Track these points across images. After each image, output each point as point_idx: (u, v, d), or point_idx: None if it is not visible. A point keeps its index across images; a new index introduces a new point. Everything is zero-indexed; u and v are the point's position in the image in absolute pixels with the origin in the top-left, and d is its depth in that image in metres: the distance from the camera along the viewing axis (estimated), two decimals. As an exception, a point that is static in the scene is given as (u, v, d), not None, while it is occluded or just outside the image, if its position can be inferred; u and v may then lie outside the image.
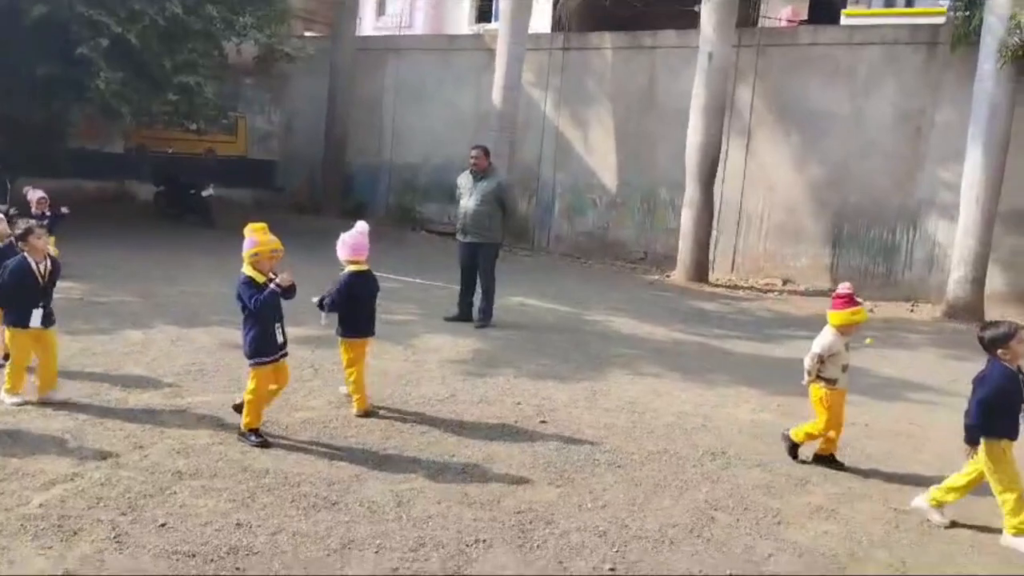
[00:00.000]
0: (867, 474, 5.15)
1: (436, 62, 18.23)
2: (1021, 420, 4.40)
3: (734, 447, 5.51)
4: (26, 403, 5.29)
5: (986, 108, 11.62)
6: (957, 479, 4.53)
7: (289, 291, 4.98)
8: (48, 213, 8.12)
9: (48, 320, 5.43)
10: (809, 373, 5.22)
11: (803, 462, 5.25)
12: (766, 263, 14.82)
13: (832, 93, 14.18)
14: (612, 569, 3.74)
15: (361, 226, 5.75)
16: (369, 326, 5.81)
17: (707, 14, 13.64)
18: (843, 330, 5.22)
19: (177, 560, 3.54)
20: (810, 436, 5.24)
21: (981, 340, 4.53)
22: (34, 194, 8.41)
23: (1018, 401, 4.38)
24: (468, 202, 8.87)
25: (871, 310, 5.86)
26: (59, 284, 5.59)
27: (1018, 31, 11.22)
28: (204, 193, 16.00)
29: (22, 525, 3.73)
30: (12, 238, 5.67)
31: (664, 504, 4.50)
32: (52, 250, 5.53)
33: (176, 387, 5.93)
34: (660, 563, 3.84)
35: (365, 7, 22.96)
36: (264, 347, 4.95)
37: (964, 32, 12.54)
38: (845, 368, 5.23)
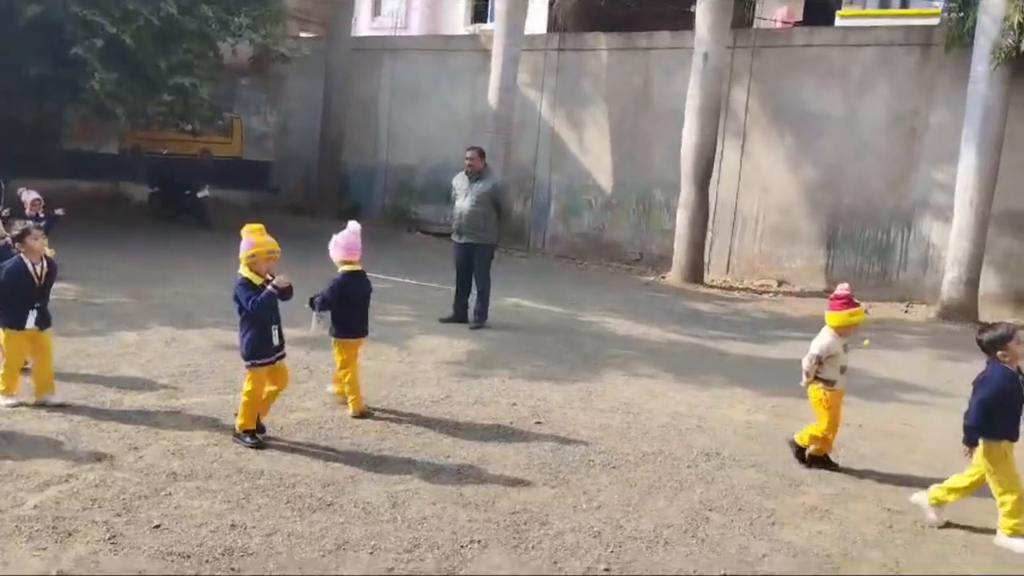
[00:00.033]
0: (861, 475, 5.17)
1: (432, 63, 18.23)
2: (1022, 421, 4.40)
3: (728, 448, 5.53)
4: (20, 405, 5.29)
5: (980, 110, 11.65)
6: (959, 480, 4.53)
7: (286, 292, 4.98)
8: (42, 215, 8.10)
9: (44, 322, 5.42)
10: (807, 374, 5.23)
11: (806, 462, 5.22)
12: (761, 264, 14.85)
13: (826, 94, 14.21)
14: (607, 569, 3.75)
15: (353, 226, 5.75)
16: (363, 326, 5.82)
17: (702, 15, 13.67)
18: (841, 331, 5.22)
19: (172, 561, 3.54)
20: (814, 438, 5.22)
21: (980, 342, 4.53)
22: (28, 195, 8.38)
23: (1018, 402, 4.39)
24: (463, 203, 8.88)
25: (866, 311, 5.86)
26: (53, 285, 5.58)
27: (1012, 33, 11.26)
28: (199, 194, 15.98)
29: (16, 526, 3.72)
30: (8, 239, 5.66)
31: (659, 505, 4.51)
32: (48, 251, 5.52)
33: (171, 388, 5.93)
34: (654, 563, 3.86)
35: (361, 7, 22.97)
36: (261, 349, 4.95)
37: (958, 34, 12.58)
38: (843, 370, 5.24)
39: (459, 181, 9.06)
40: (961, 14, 12.66)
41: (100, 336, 7.20)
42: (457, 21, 23.23)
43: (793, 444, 5.31)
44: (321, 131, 18.70)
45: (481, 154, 9.05)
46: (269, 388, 5.05)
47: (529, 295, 11.06)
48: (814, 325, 10.75)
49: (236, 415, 5.01)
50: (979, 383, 4.47)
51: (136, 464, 4.51)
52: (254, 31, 14.86)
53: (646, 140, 15.72)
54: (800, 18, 17.98)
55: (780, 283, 14.41)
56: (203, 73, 14.12)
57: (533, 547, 3.92)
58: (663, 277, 14.28)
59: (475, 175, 8.90)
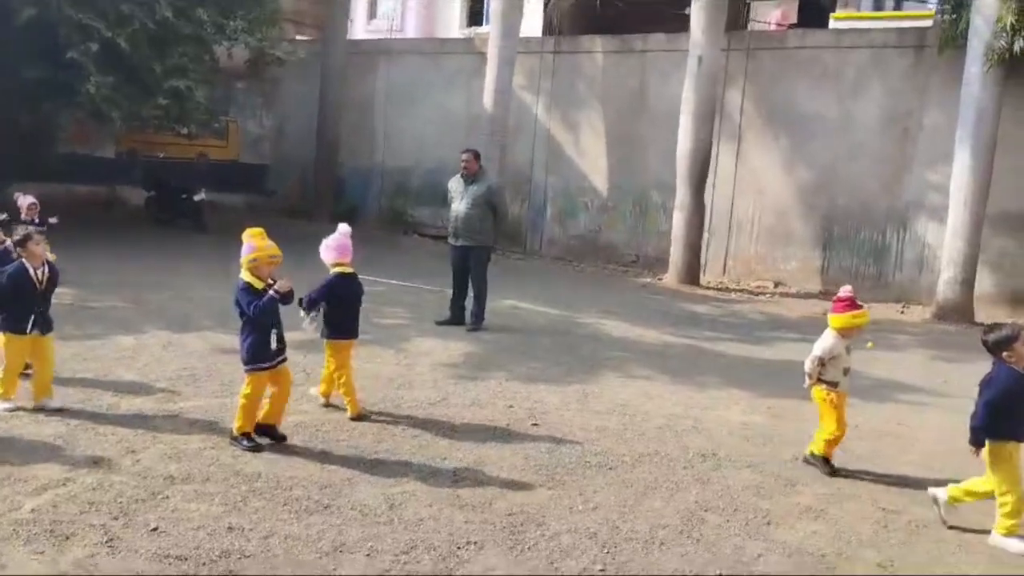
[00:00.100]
0: (856, 475, 5.19)
1: (427, 65, 18.26)
2: None
3: (724, 449, 5.55)
4: (18, 409, 5.29)
5: (973, 111, 11.71)
6: (978, 483, 4.51)
7: (287, 297, 4.99)
8: (37, 220, 8.10)
9: (46, 326, 5.43)
10: (810, 376, 5.22)
11: (833, 470, 5.16)
12: (757, 266, 14.89)
13: (821, 96, 14.27)
14: (602, 570, 3.77)
15: (344, 228, 5.78)
16: (354, 328, 5.83)
17: (696, 17, 13.71)
18: (844, 333, 5.21)
19: (169, 564, 3.55)
20: (829, 443, 5.17)
21: (985, 343, 4.52)
22: (24, 200, 8.38)
23: None
24: (459, 206, 8.90)
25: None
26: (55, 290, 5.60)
27: (1004, 34, 11.31)
28: (196, 198, 15.98)
29: (14, 530, 3.73)
30: (8, 244, 5.67)
31: (655, 505, 4.53)
32: (50, 256, 5.54)
33: (168, 392, 5.93)
34: (650, 564, 3.87)
35: (356, 10, 22.99)
36: (261, 353, 4.95)
37: (951, 35, 12.64)
38: (846, 371, 5.22)
39: (455, 184, 9.08)
40: (954, 16, 12.73)
41: (97, 340, 7.21)
42: (452, 24, 23.25)
43: (813, 458, 5.20)
44: (317, 134, 18.71)
45: (476, 156, 9.08)
46: (271, 390, 5.05)
47: (526, 297, 11.08)
48: (810, 326, 10.85)
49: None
50: (985, 384, 4.46)
51: (133, 468, 4.52)
52: (249, 34, 14.86)
53: (642, 142, 15.76)
54: (794, 20, 18.03)
55: (776, 284, 14.45)
56: (199, 76, 14.12)
57: (529, 548, 3.93)
58: (659, 279, 14.31)
59: (471, 177, 8.92)
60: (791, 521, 4.45)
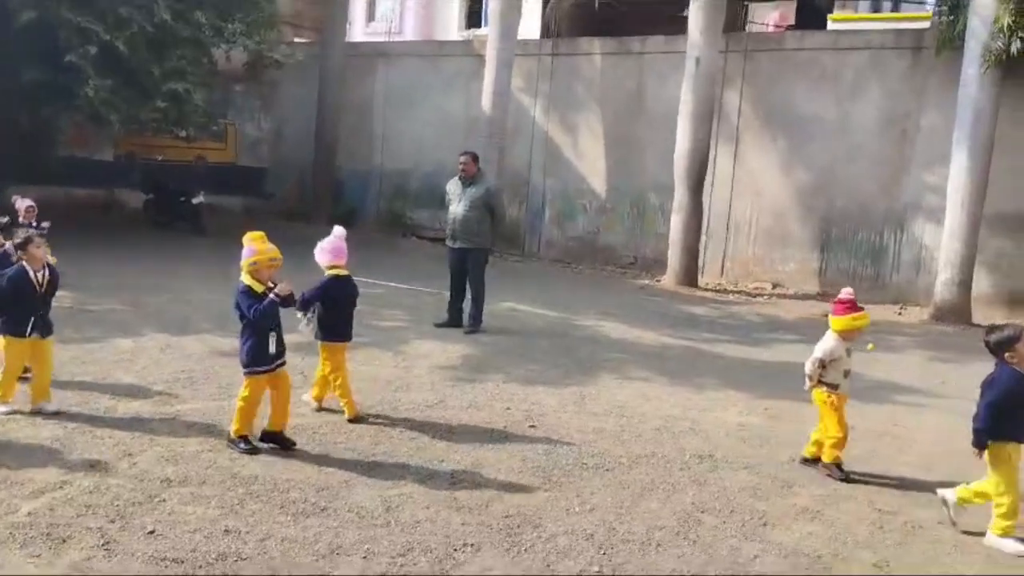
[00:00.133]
0: (852, 476, 5.19)
1: (426, 67, 18.28)
2: None
3: (721, 450, 5.56)
4: (16, 412, 5.29)
5: (970, 112, 11.72)
6: (983, 485, 4.51)
7: (288, 300, 5.00)
8: (34, 224, 8.10)
9: (46, 330, 5.44)
10: (810, 378, 5.21)
11: (846, 475, 5.11)
12: (755, 267, 14.90)
13: (819, 98, 14.29)
14: (599, 571, 3.77)
15: (339, 231, 5.79)
16: (348, 331, 5.83)
17: (694, 19, 13.73)
18: (845, 335, 5.21)
19: (166, 567, 3.55)
20: (834, 447, 5.14)
21: (987, 344, 4.52)
22: (22, 203, 8.38)
23: None
24: (457, 208, 8.91)
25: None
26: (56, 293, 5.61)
27: (1002, 35, 11.33)
28: (194, 200, 15.99)
29: (11, 533, 3.73)
30: (8, 247, 5.68)
31: (651, 507, 4.54)
32: (51, 259, 5.55)
33: (166, 395, 5.94)
34: (647, 565, 3.88)
35: (355, 13, 23.02)
36: (260, 357, 4.95)
37: (948, 37, 12.66)
38: (847, 373, 5.21)
39: (453, 186, 9.09)
40: (951, 17, 12.76)
41: (95, 343, 7.21)
42: (451, 26, 23.29)
43: (827, 467, 5.14)
44: (315, 136, 18.73)
45: (474, 159, 9.09)
46: (270, 393, 5.05)
47: (524, 299, 11.10)
48: (808, 327, 10.86)
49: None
50: (987, 385, 4.46)
51: (130, 471, 4.53)
52: (248, 37, 14.89)
53: (640, 144, 15.77)
54: (792, 22, 18.07)
55: (774, 286, 14.46)
56: (197, 79, 14.14)
57: (526, 550, 3.94)
58: (658, 281, 14.32)
59: (469, 180, 8.94)
60: (787, 522, 4.46)
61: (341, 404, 5.71)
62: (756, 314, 11.98)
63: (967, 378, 7.95)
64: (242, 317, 4.95)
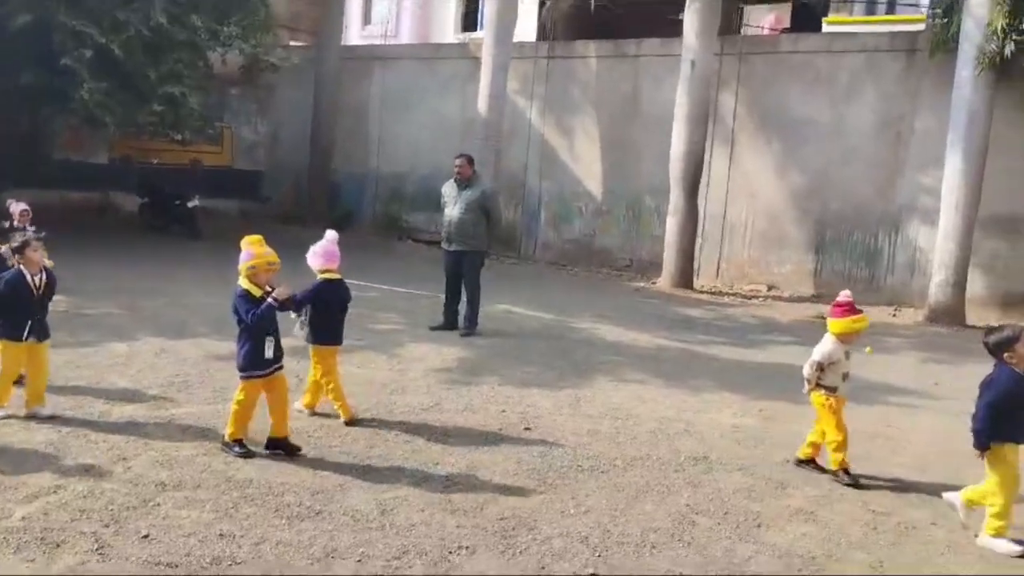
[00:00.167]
0: (836, 474, 5.18)
1: (422, 70, 18.30)
2: None
3: (716, 452, 5.57)
4: (10, 417, 5.29)
5: (964, 114, 11.76)
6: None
7: (286, 304, 5.00)
8: (29, 228, 8.08)
9: (43, 333, 5.44)
10: (809, 381, 5.21)
11: (855, 480, 5.07)
12: (751, 269, 14.93)
13: (813, 100, 14.32)
14: (594, 573, 3.78)
15: (331, 235, 5.81)
16: (339, 334, 5.84)
17: (690, 22, 13.76)
18: (843, 338, 5.20)
19: (160, 571, 3.55)
20: (838, 451, 5.11)
21: (986, 344, 4.53)
22: (17, 207, 8.35)
23: None
24: (453, 211, 8.92)
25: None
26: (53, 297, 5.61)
27: (995, 38, 11.38)
28: (190, 204, 15.98)
29: (4, 538, 3.73)
30: (4, 251, 5.67)
31: (646, 509, 4.55)
32: (48, 263, 5.55)
33: (160, 399, 5.93)
34: (641, 567, 3.89)
35: (351, 16, 23.03)
36: (257, 361, 4.95)
37: (942, 39, 12.69)
38: (846, 376, 5.21)
39: (448, 189, 9.11)
40: (945, 20, 12.79)
41: (90, 347, 7.21)
42: (447, 29, 23.29)
43: (839, 474, 5.09)
44: (311, 140, 18.73)
45: (470, 161, 9.10)
46: (267, 397, 5.04)
47: (519, 302, 11.10)
48: (803, 329, 10.88)
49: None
50: (986, 385, 4.47)
51: (125, 475, 4.52)
52: (244, 40, 14.89)
53: (635, 147, 15.80)
54: (787, 25, 18.11)
55: (769, 288, 14.49)
56: (193, 83, 14.14)
57: (521, 552, 3.95)
58: (653, 283, 14.34)
59: (464, 182, 8.95)
60: (781, 523, 4.47)
61: (335, 408, 5.72)
62: (751, 316, 12.01)
63: (961, 379, 8.01)
64: (240, 321, 4.95)
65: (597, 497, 4.66)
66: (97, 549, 3.69)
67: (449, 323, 9.00)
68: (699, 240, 14.56)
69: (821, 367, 5.16)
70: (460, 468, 4.96)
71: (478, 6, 21.28)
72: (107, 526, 3.91)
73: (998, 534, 4.35)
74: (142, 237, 15.38)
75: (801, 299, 13.69)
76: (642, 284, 14.37)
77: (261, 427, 5.21)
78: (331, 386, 5.70)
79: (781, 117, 14.54)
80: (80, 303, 8.79)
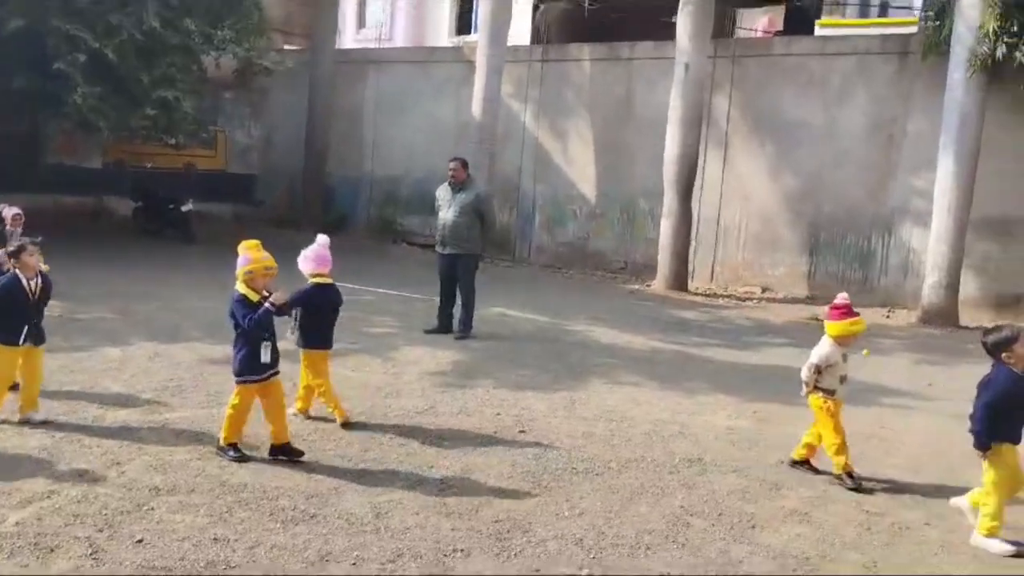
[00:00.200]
0: (840, 478, 5.21)
1: (416, 74, 18.31)
2: None
3: (710, 453, 5.58)
4: (3, 422, 5.27)
5: (956, 117, 11.82)
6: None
7: (283, 309, 4.99)
8: (21, 231, 8.06)
9: (39, 338, 5.42)
10: (807, 384, 5.20)
11: (858, 484, 5.05)
12: (745, 271, 14.96)
13: (806, 103, 14.37)
14: (588, 575, 3.78)
15: (322, 239, 5.82)
16: (330, 338, 5.85)
17: (683, 25, 13.80)
18: (841, 341, 5.20)
19: (154, 575, 3.54)
20: (838, 454, 5.10)
21: (985, 345, 4.53)
22: (9, 211, 8.34)
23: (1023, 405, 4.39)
24: (447, 214, 8.93)
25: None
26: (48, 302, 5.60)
27: (987, 40, 11.43)
28: (183, 208, 15.95)
29: (-2, 543, 3.72)
30: (0, 254, 5.66)
31: (641, 511, 4.55)
32: (44, 267, 5.54)
33: (154, 403, 5.92)
34: (636, 569, 3.89)
35: (345, 19, 23.03)
36: (253, 366, 4.93)
37: (934, 42, 12.75)
38: (844, 379, 5.21)
39: (442, 192, 9.11)
40: (937, 22, 12.86)
41: (83, 352, 7.19)
42: (441, 32, 23.31)
43: (843, 478, 5.08)
44: (305, 143, 18.72)
45: (464, 165, 9.11)
46: (263, 402, 5.03)
47: (514, 305, 11.11)
48: (797, 331, 10.91)
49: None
50: (984, 386, 4.48)
51: (118, 479, 4.51)
52: (237, 44, 14.88)
53: (629, 150, 15.83)
54: (780, 27, 18.16)
55: (764, 290, 14.52)
56: (186, 87, 14.12)
57: (516, 555, 3.95)
58: (648, 285, 14.36)
59: (458, 186, 8.96)
60: (776, 525, 4.48)
61: (330, 411, 5.72)
62: (745, 318, 12.03)
63: (954, 380, 8.05)
64: (236, 326, 4.95)
65: (592, 499, 4.67)
66: (91, 554, 3.68)
67: (444, 326, 9.00)
68: (693, 243, 14.59)
69: (819, 370, 5.16)
70: (455, 471, 4.97)
71: (472, 9, 21.32)
72: (101, 531, 3.90)
73: (991, 534, 4.37)
74: (135, 241, 15.35)
75: (795, 301, 13.72)
76: (636, 287, 14.39)
77: (254, 431, 5.21)
78: (323, 390, 5.70)
79: (774, 120, 14.58)
80: (73, 307, 8.77)
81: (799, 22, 17.46)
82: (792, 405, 6.80)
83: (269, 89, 19.26)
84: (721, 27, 15.56)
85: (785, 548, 4.19)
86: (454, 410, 6.25)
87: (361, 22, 25.41)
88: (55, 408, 5.57)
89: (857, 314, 5.27)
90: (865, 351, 5.92)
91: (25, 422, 5.28)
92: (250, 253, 4.95)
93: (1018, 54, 11.35)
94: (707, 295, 14.01)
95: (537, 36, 18.06)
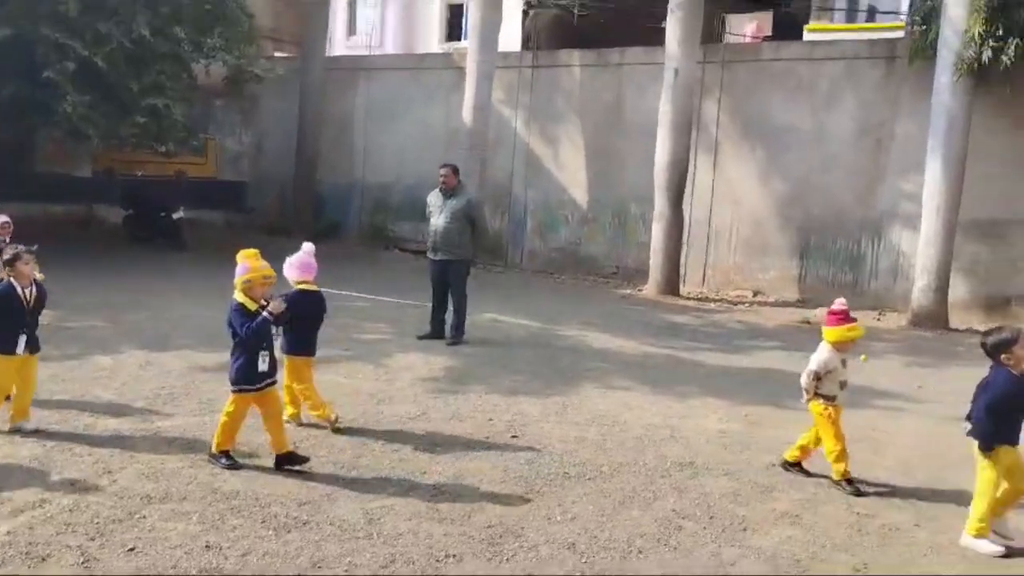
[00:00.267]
0: (840, 484, 5.21)
1: (406, 81, 18.33)
2: None
3: (702, 457, 5.60)
4: (-6, 431, 5.26)
5: (944, 120, 11.90)
6: (1004, 492, 4.50)
7: (280, 318, 5.00)
8: (9, 240, 8.02)
9: (33, 347, 5.41)
10: (807, 391, 5.21)
11: (857, 489, 5.06)
12: (736, 275, 15.01)
13: (795, 108, 14.45)
14: (581, 580, 3.80)
15: (307, 247, 5.86)
16: (314, 345, 5.87)
17: (672, 31, 13.86)
18: (839, 346, 5.20)
19: (146, 584, 3.54)
20: (838, 461, 5.11)
21: (984, 346, 4.55)
22: (-3, 219, 8.31)
23: (1022, 407, 4.41)
24: (438, 220, 8.95)
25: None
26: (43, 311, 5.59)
27: (973, 44, 11.52)
28: (174, 216, 15.92)
29: (-11, 553, 3.71)
30: None
31: (632, 514, 4.57)
32: (38, 276, 5.52)
33: (145, 412, 5.91)
34: (627, 572, 3.91)
35: (335, 26, 23.05)
36: (249, 375, 4.93)
37: (921, 46, 12.84)
38: (843, 385, 5.21)
39: (433, 198, 9.13)
40: (924, 27, 12.94)
41: (74, 360, 7.17)
42: (431, 39, 23.33)
43: (842, 484, 5.08)
44: (296, 150, 18.71)
45: (455, 171, 9.13)
46: (261, 412, 5.02)
47: (506, 310, 11.12)
48: (788, 334, 10.96)
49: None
50: (983, 388, 4.50)
51: (110, 488, 4.51)
52: (227, 52, 14.88)
53: (620, 155, 15.87)
54: (769, 33, 18.24)
55: (755, 294, 14.57)
56: (176, 94, 14.09)
57: (508, 559, 3.96)
58: (640, 290, 14.39)
59: (449, 192, 8.98)
60: (767, 527, 4.50)
61: (315, 417, 5.72)
62: (737, 322, 12.08)
63: (945, 382, 8.10)
64: (234, 335, 4.95)
65: (584, 504, 4.68)
66: (83, 563, 3.68)
67: (436, 332, 9.01)
68: (684, 247, 14.63)
69: (818, 376, 5.16)
70: (447, 477, 4.97)
71: (462, 16, 21.37)
72: (93, 539, 3.90)
73: (979, 534, 4.40)
74: (126, 249, 15.30)
75: (786, 304, 13.77)
76: (628, 291, 14.42)
77: (247, 438, 5.21)
78: (306, 395, 5.71)
79: (763, 125, 14.66)
80: (64, 316, 8.74)
81: (787, 27, 17.55)
82: (783, 408, 6.85)
83: (259, 96, 19.24)
84: (710, 32, 15.62)
85: (776, 550, 4.21)
86: (446, 416, 6.26)
87: (351, 29, 25.42)
88: (46, 417, 5.56)
89: (855, 319, 5.28)
90: (863, 356, 5.93)
91: (16, 431, 5.27)
92: (249, 262, 4.96)
93: (1004, 58, 11.44)
94: (699, 299, 14.06)
95: (527, 42, 18.10)
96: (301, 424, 5.78)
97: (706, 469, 5.37)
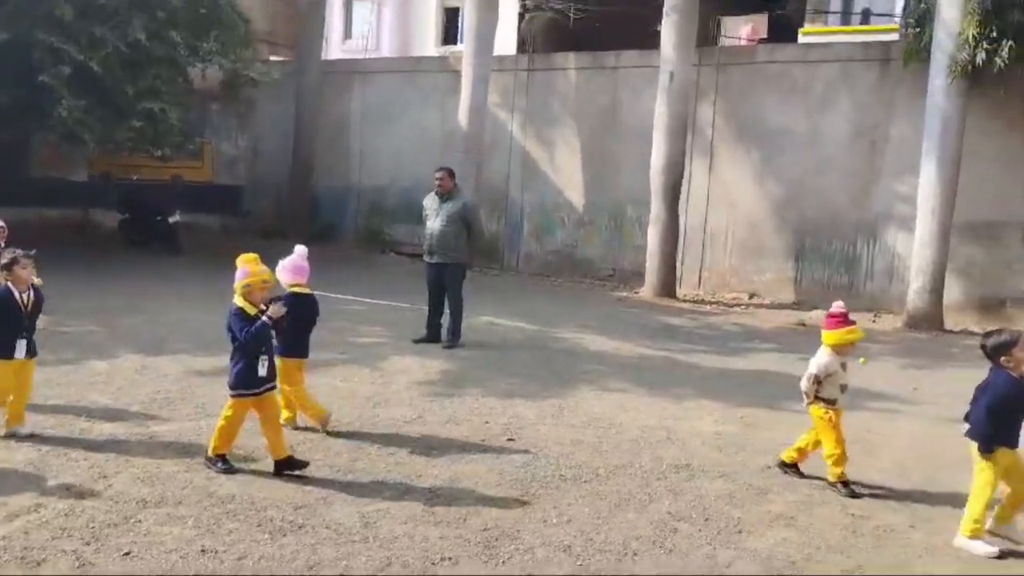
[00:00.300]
0: (835, 486, 5.23)
1: (402, 84, 18.35)
2: None
3: (698, 459, 5.61)
4: (-10, 436, 5.25)
5: (938, 122, 11.94)
6: (1009, 498, 4.52)
7: (280, 323, 5.00)
8: (4, 245, 8.01)
9: (31, 352, 5.41)
10: (807, 395, 5.21)
11: (852, 492, 5.07)
12: (732, 278, 15.03)
13: (790, 110, 14.48)
14: (576, 582, 3.81)
15: (300, 250, 5.86)
16: (306, 347, 5.87)
17: (667, 34, 13.90)
18: (839, 350, 5.20)
19: (142, 588, 3.54)
20: (837, 464, 5.11)
21: (984, 348, 4.56)
22: (-8, 224, 8.29)
23: (1022, 409, 4.41)
24: (434, 223, 8.96)
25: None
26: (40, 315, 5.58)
27: (967, 47, 11.56)
28: (170, 220, 15.91)
29: (-16, 558, 3.71)
30: None
31: (628, 517, 4.58)
32: (36, 280, 5.52)
33: (141, 416, 5.91)
34: (624, 574, 3.91)
35: (331, 30, 23.07)
36: (248, 380, 4.92)
37: (915, 48, 12.88)
38: (844, 388, 5.21)
39: (429, 201, 9.14)
40: (918, 29, 12.99)
41: (70, 365, 7.16)
42: (427, 42, 23.36)
43: (837, 487, 5.08)
44: (292, 154, 18.71)
45: (451, 174, 9.15)
46: (259, 416, 5.02)
47: (503, 313, 11.13)
48: (784, 336, 10.98)
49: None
50: (982, 390, 4.50)
51: (106, 492, 4.50)
52: (223, 56, 14.88)
53: (616, 158, 15.90)
54: (764, 35, 18.29)
55: (751, 296, 14.60)
56: (172, 98, 14.08)
57: (504, 562, 3.96)
58: (636, 292, 14.41)
59: (445, 195, 8.99)
60: (762, 529, 4.51)
61: (307, 418, 5.72)
62: (733, 324, 12.10)
63: (940, 384, 8.13)
64: (234, 339, 4.95)
65: (580, 506, 4.69)
66: (78, 567, 3.67)
67: (432, 335, 9.01)
68: (680, 250, 14.65)
69: (818, 380, 5.16)
70: (443, 480, 4.98)
71: (458, 19, 21.40)
72: (88, 544, 3.89)
73: (974, 535, 4.41)
74: (122, 253, 15.28)
75: (782, 306, 13.80)
76: (625, 294, 14.44)
77: (243, 442, 5.21)
78: (298, 397, 5.72)
79: (758, 127, 14.69)
80: (60, 320, 8.72)
81: (782, 30, 17.61)
82: (779, 410, 6.87)
83: (255, 100, 19.25)
84: (705, 35, 15.67)
85: (771, 552, 4.22)
86: (442, 419, 6.26)
87: (347, 32, 25.44)
88: (41, 421, 5.55)
89: (854, 322, 5.28)
90: (862, 359, 5.95)
91: (11, 436, 5.26)
92: (248, 267, 4.97)
93: (998, 60, 11.48)
94: (695, 301, 14.08)
95: (523, 45, 18.13)
96: (297, 428, 5.78)
97: (702, 471, 5.38)
